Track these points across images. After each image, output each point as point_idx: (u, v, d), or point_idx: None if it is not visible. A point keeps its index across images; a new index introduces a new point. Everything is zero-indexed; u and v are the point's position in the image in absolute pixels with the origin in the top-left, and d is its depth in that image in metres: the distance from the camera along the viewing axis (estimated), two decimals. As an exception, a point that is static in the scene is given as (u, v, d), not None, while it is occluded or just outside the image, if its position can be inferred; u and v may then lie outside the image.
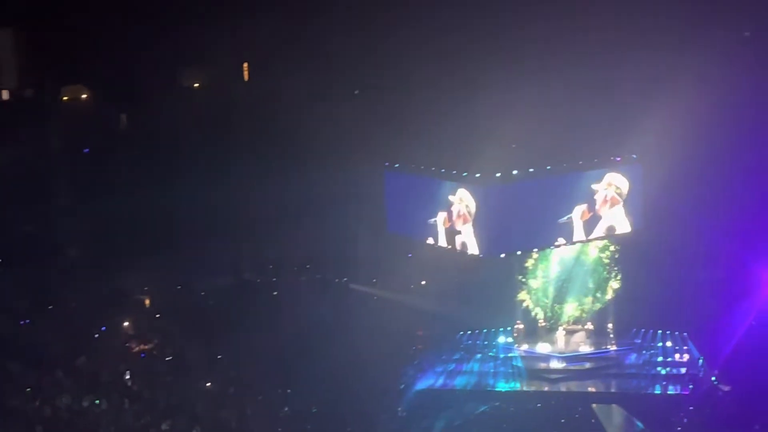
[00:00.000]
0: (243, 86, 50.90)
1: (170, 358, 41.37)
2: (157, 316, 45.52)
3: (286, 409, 38.94)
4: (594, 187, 42.61)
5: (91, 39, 47.01)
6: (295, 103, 46.00)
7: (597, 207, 42.87)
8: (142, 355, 41.75)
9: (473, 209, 41.94)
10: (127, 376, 38.81)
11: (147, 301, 46.87)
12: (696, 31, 42.62)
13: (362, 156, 45.85)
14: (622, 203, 43.14)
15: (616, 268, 47.39)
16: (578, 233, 43.06)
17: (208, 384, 39.43)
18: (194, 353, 41.55)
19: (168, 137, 47.42)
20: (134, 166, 47.52)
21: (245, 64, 51.27)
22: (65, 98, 51.33)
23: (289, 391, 39.95)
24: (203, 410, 37.13)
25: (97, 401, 35.60)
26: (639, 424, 38.87)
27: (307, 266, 48.92)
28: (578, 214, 42.68)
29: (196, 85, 51.22)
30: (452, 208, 42.77)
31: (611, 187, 42.87)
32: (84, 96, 51.49)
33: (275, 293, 48.00)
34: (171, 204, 45.61)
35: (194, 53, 49.00)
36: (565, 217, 42.53)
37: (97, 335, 42.49)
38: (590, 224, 43.02)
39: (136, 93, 49.01)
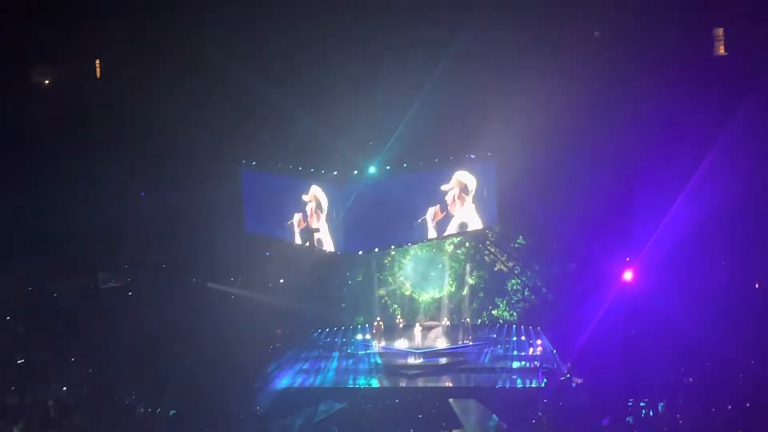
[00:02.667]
0: (95, 84, 49.78)
1: (22, 361, 40.36)
2: (7, 318, 44.33)
3: (143, 411, 38.44)
4: (443, 187, 43.27)
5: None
6: (150, 101, 45.21)
7: (449, 205, 43.52)
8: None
9: (329, 206, 42.08)
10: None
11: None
12: (548, 30, 43.44)
13: (219, 154, 45.42)
14: (471, 200, 43.83)
15: (471, 264, 48.27)
16: (432, 232, 43.61)
17: (64, 388, 38.68)
18: (47, 356, 40.63)
19: (17, 136, 46.09)
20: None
21: (97, 62, 50.18)
22: None
23: (145, 392, 39.39)
24: (57, 414, 36.42)
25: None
26: (495, 417, 39.47)
27: (164, 265, 48.21)
28: (431, 215, 43.22)
29: (47, 82, 49.94)
30: (308, 206, 42.83)
31: (459, 184, 43.55)
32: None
33: (130, 293, 47.22)
34: (20, 204, 44.40)
35: (45, 50, 47.74)
36: (419, 220, 43.01)
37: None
38: (444, 223, 43.59)
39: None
